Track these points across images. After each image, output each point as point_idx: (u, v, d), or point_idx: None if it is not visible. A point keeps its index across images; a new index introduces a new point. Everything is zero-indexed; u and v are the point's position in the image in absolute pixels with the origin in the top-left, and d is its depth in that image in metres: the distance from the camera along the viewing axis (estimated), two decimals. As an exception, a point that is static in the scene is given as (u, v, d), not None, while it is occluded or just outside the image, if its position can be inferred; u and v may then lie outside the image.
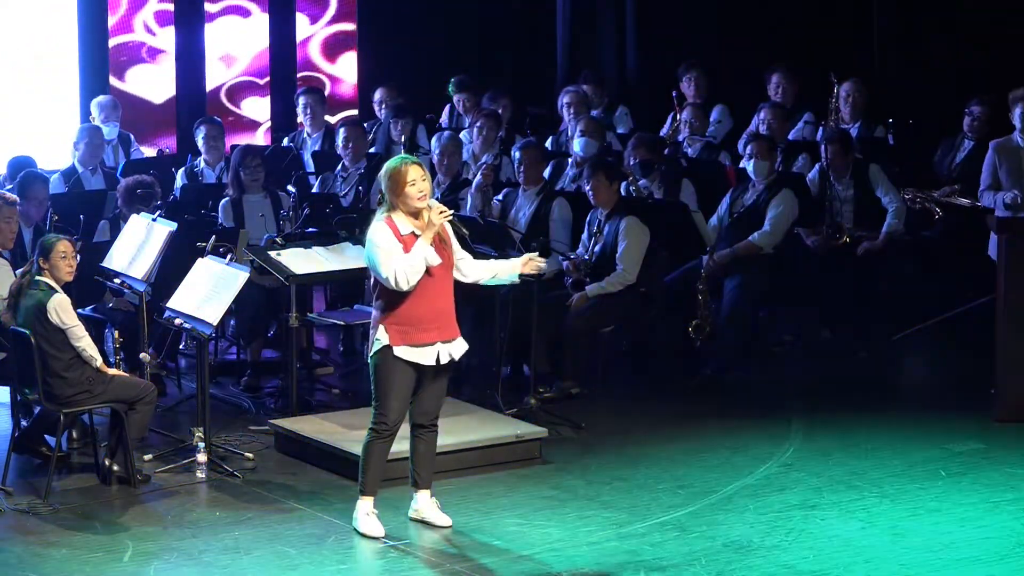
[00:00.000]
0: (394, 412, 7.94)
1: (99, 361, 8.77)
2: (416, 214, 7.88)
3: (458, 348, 8.02)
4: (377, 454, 8.02)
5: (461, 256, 8.07)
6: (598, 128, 12.32)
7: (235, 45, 15.66)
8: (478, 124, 12.40)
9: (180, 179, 12.19)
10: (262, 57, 15.74)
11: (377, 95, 13.98)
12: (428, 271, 7.84)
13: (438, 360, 7.93)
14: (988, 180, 10.63)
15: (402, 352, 7.87)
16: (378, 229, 7.88)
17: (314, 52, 15.96)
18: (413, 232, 7.85)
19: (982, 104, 11.97)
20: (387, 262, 7.80)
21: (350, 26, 16.06)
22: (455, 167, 11.69)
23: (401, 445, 8.18)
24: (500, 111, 13.14)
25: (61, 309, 8.62)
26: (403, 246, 7.82)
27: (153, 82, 15.15)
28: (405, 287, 7.80)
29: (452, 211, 7.96)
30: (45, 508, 8.51)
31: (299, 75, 15.80)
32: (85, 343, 8.70)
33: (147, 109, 15.03)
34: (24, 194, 10.31)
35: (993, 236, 10.42)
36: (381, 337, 7.89)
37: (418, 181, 7.85)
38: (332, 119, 14.77)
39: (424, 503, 8.18)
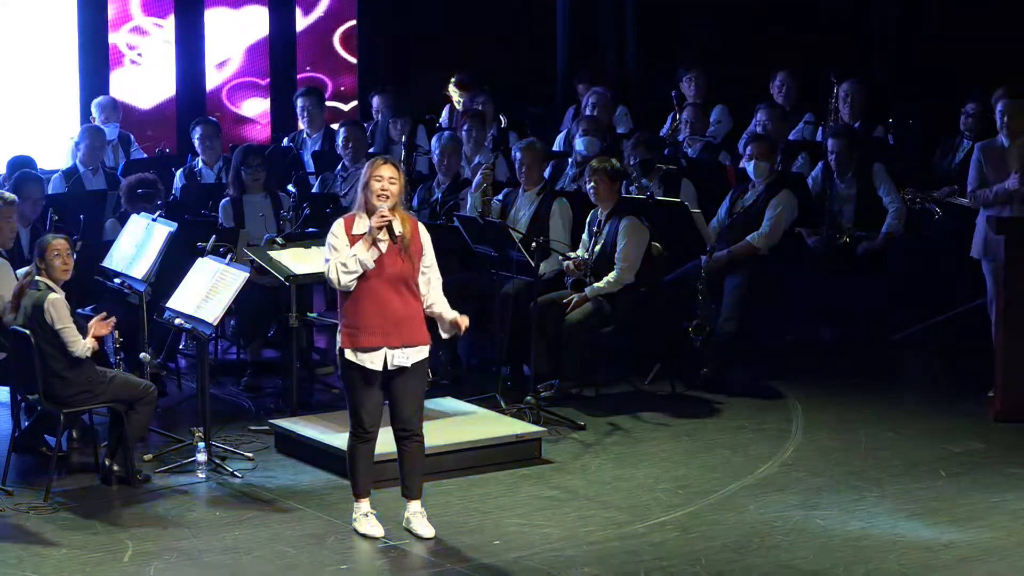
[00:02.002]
0: (366, 414, 7.90)
1: (89, 347, 8.68)
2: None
3: (412, 355, 7.87)
4: (360, 457, 8.00)
5: (428, 271, 7.95)
6: (599, 127, 12.34)
7: (233, 43, 15.67)
8: (465, 127, 12.42)
9: (179, 179, 12.18)
10: (262, 56, 15.76)
11: (375, 103, 13.98)
12: (368, 275, 7.75)
13: (386, 365, 7.86)
14: (976, 181, 10.58)
15: (351, 356, 7.85)
16: (335, 225, 7.92)
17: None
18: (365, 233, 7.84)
19: (977, 103, 11.97)
20: (327, 257, 7.83)
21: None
22: (455, 167, 11.69)
23: (394, 447, 8.19)
24: (480, 107, 13.16)
25: (55, 308, 8.60)
26: (351, 245, 7.80)
27: (137, 87, 15.15)
28: (337, 285, 7.81)
29: (388, 219, 7.75)
30: (45, 508, 8.51)
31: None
32: (77, 348, 8.64)
33: (133, 115, 15.02)
34: (18, 194, 10.25)
35: (977, 238, 10.39)
36: (338, 340, 7.90)
37: (384, 179, 7.80)
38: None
39: (412, 512, 8.10)
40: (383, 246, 7.80)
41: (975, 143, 11.70)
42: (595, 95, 13.28)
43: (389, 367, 7.87)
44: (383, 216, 7.78)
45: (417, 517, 8.07)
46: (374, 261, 7.78)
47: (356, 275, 7.79)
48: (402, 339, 7.87)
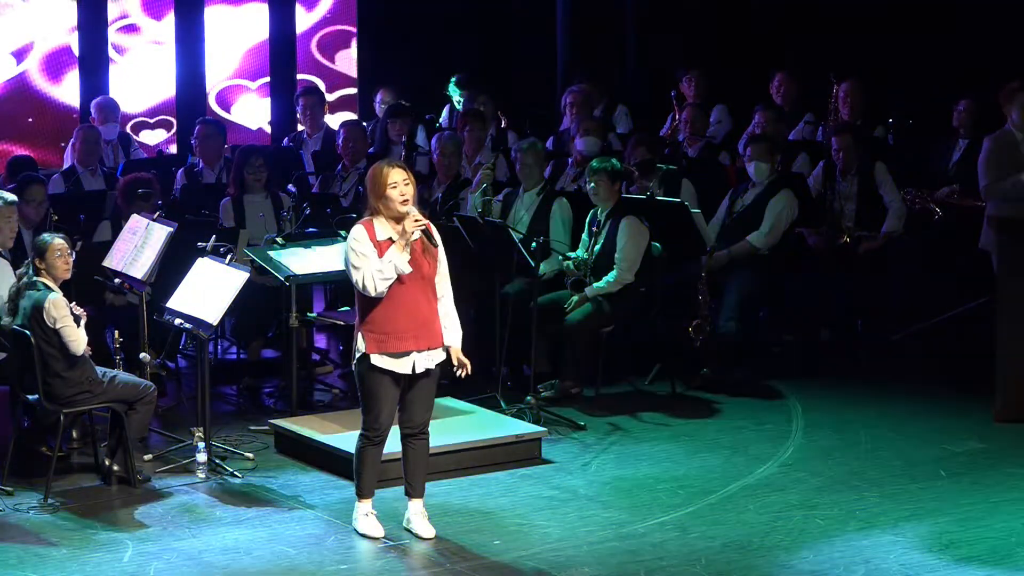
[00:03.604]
0: (382, 419, 7.89)
1: (84, 346, 8.69)
2: (398, 219, 7.78)
3: (435, 357, 7.90)
4: (369, 458, 7.99)
5: (440, 275, 7.93)
6: (600, 127, 12.33)
7: (233, 43, 15.68)
8: (465, 127, 12.41)
9: (180, 179, 12.18)
10: (259, 57, 15.77)
11: (379, 95, 13.98)
12: (401, 279, 7.74)
13: (414, 369, 7.86)
14: (990, 175, 10.53)
15: (378, 361, 7.80)
16: (355, 232, 7.82)
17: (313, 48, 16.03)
18: (390, 238, 7.76)
19: (970, 100, 11.98)
20: (358, 265, 7.74)
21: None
22: (455, 167, 11.69)
23: (397, 446, 8.19)
24: (480, 107, 13.16)
25: (55, 308, 8.60)
26: (378, 251, 7.74)
27: (137, 87, 15.16)
28: (373, 293, 7.73)
29: (426, 222, 7.82)
30: (45, 508, 8.51)
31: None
32: (78, 347, 8.65)
33: (132, 115, 15.04)
34: (22, 197, 10.24)
35: (986, 229, 10.40)
36: (360, 345, 7.83)
37: (400, 184, 7.75)
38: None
39: (413, 512, 8.11)
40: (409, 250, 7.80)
41: (972, 142, 11.73)
42: (571, 94, 13.25)
43: (417, 371, 7.86)
44: (418, 221, 7.75)
45: (418, 517, 8.07)
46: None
47: (391, 281, 7.76)
48: (429, 342, 7.86)
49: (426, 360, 7.87)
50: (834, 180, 11.57)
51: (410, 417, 7.97)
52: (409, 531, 8.07)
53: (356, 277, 7.75)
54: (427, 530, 8.04)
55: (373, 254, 7.74)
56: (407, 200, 7.77)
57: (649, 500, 8.62)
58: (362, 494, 8.07)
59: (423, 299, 7.85)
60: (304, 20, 15.96)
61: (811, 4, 14.54)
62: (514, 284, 10.62)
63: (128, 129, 14.79)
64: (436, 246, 7.87)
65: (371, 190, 7.82)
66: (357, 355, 7.86)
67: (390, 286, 7.74)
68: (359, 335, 7.85)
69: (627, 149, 11.86)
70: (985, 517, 8.31)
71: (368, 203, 7.87)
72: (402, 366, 7.83)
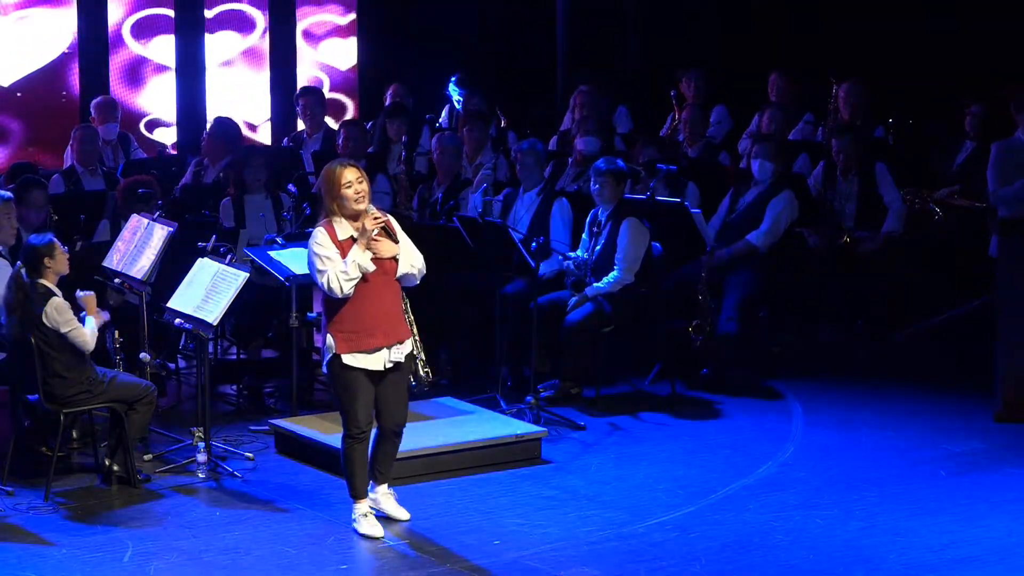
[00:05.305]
0: (361, 416, 7.91)
1: (94, 341, 8.70)
2: (356, 218, 7.80)
3: (404, 350, 7.94)
4: (357, 458, 8.01)
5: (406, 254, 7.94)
6: (602, 127, 12.32)
7: (232, 44, 15.69)
8: (467, 128, 12.41)
9: (189, 175, 12.16)
10: (259, 57, 15.77)
11: (391, 90, 13.97)
12: (365, 276, 7.76)
13: (385, 364, 7.88)
14: (997, 181, 10.54)
15: (351, 359, 7.83)
16: (316, 234, 7.83)
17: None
18: (352, 237, 7.78)
19: (981, 104, 11.97)
20: (322, 268, 7.76)
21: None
22: (455, 167, 11.69)
23: (406, 444, 8.22)
24: (480, 107, 13.15)
25: (58, 311, 8.60)
26: (340, 252, 7.76)
27: (138, 87, 15.18)
28: (339, 294, 7.75)
29: (385, 218, 7.83)
30: (45, 508, 8.51)
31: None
32: (88, 345, 8.65)
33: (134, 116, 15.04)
34: (22, 200, 10.23)
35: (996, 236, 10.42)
36: (330, 346, 7.86)
37: (354, 183, 7.77)
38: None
39: (381, 495, 8.15)
40: (374, 246, 7.80)
41: (979, 145, 11.74)
42: (580, 94, 13.25)
43: (387, 365, 7.88)
44: (377, 219, 7.77)
45: (387, 498, 8.14)
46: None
47: (356, 280, 7.78)
48: (397, 336, 7.92)
49: (395, 354, 7.91)
50: (834, 180, 11.58)
51: (392, 416, 7.99)
52: (381, 514, 8.07)
53: (321, 280, 7.77)
54: (401, 512, 8.09)
55: (337, 256, 7.76)
56: (362, 198, 7.78)
57: (649, 500, 8.62)
58: (356, 494, 8.07)
59: (388, 294, 7.88)
60: (304, 20, 15.96)
61: (811, 4, 14.55)
62: (514, 284, 10.62)
63: (142, 127, 14.83)
64: (397, 242, 7.85)
65: (325, 191, 7.83)
66: (328, 356, 7.88)
67: (355, 285, 7.77)
68: (328, 336, 7.87)
69: (635, 149, 11.86)
70: (985, 517, 8.31)
71: (324, 205, 7.88)
72: (374, 362, 7.85)
